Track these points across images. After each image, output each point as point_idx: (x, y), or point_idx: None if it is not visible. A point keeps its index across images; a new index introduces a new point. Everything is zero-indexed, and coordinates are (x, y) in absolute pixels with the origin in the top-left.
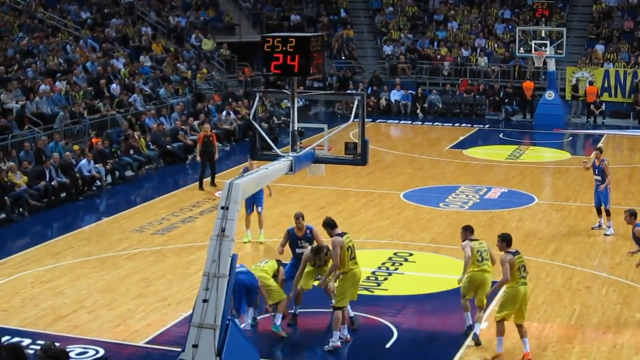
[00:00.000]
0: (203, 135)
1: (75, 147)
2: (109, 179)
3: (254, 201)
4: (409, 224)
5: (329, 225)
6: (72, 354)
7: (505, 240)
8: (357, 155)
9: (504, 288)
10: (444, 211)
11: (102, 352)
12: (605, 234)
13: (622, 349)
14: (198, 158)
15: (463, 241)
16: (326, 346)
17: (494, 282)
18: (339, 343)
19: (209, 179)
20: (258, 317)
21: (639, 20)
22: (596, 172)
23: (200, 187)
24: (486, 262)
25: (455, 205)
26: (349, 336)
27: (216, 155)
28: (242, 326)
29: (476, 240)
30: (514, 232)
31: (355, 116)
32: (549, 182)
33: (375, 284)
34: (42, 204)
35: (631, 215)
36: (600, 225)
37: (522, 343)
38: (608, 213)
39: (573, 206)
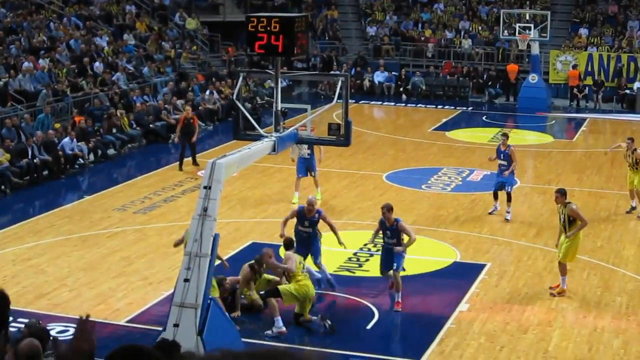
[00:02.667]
0: (184, 116)
1: (57, 125)
2: (92, 157)
3: (306, 167)
4: None
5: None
6: (53, 332)
7: (564, 194)
8: (340, 136)
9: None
10: (426, 193)
11: None
12: (506, 219)
13: (603, 333)
14: (176, 139)
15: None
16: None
17: None
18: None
19: (189, 159)
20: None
21: (623, 4)
22: (501, 157)
23: (180, 167)
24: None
25: (437, 188)
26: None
27: (194, 138)
28: None
29: None
30: (495, 214)
31: (339, 97)
32: (531, 165)
33: (357, 265)
34: (24, 182)
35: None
36: (495, 209)
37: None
38: (509, 198)
39: (555, 189)
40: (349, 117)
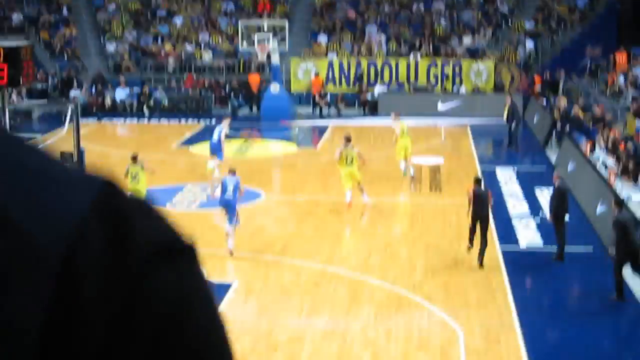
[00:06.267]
0: None
1: None
2: None
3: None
4: None
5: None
6: None
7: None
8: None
9: None
10: (172, 213)
11: None
12: None
13: (353, 344)
14: None
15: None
16: None
17: None
18: None
19: None
20: None
21: (361, 10)
22: None
23: None
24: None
25: (182, 206)
26: None
27: None
28: None
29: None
30: (240, 229)
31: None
32: (276, 176)
33: None
34: None
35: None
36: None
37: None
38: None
39: (301, 200)
40: (81, 146)
